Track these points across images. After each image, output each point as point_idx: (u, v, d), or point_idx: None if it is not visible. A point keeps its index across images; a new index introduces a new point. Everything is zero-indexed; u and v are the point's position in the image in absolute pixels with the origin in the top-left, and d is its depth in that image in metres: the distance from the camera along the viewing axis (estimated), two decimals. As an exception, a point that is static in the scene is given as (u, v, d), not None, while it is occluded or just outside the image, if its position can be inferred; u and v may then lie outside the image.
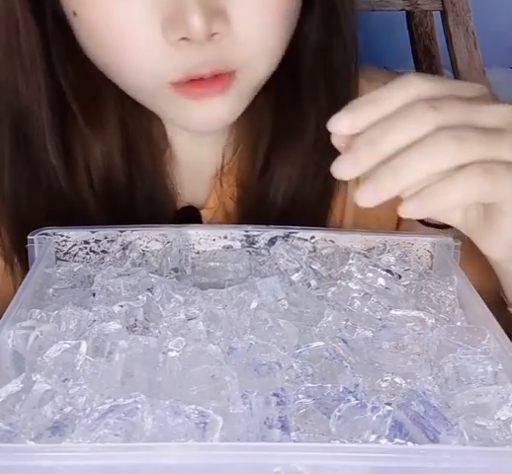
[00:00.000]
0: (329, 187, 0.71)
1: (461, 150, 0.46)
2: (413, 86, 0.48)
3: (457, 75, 2.01)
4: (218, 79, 0.59)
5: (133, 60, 0.59)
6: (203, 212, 0.73)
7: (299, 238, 0.62)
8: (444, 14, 1.99)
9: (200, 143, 0.73)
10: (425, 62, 2.34)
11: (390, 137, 0.46)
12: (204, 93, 0.59)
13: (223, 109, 0.61)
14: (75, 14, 0.59)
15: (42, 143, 0.66)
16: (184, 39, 0.55)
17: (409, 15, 2.28)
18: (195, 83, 0.58)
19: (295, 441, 0.40)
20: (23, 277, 0.55)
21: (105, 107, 0.67)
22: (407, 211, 0.47)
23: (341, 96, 0.70)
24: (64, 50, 0.64)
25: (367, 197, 0.46)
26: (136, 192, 0.70)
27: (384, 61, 0.79)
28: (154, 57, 0.58)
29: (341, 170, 0.47)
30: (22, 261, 0.69)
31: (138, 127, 0.69)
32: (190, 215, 0.72)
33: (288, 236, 0.62)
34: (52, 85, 0.65)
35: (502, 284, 0.58)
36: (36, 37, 0.63)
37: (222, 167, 0.72)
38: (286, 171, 0.70)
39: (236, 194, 0.72)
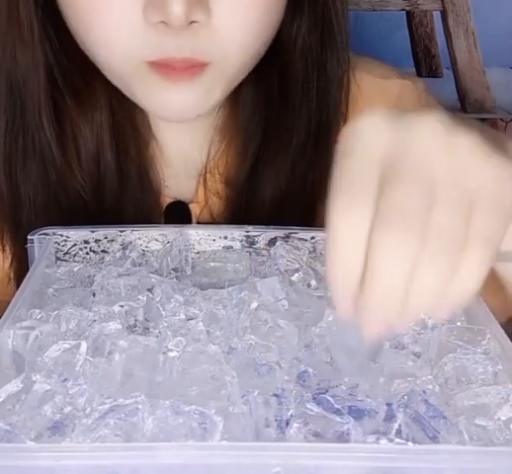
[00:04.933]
0: (317, 187, 0.71)
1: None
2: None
3: (457, 75, 2.01)
4: (189, 69, 0.59)
5: (111, 38, 0.59)
6: (191, 207, 0.73)
7: (300, 238, 0.62)
8: (444, 14, 1.99)
9: (183, 137, 0.73)
10: (425, 62, 2.35)
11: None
12: (174, 75, 0.59)
13: (191, 96, 0.60)
14: None
15: (36, 111, 0.67)
16: (163, 22, 0.56)
17: (409, 15, 2.29)
18: (167, 66, 0.59)
19: (294, 441, 0.40)
20: (23, 277, 0.55)
21: (93, 89, 0.67)
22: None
23: (333, 98, 0.70)
24: (54, 30, 0.64)
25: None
26: (124, 179, 0.70)
27: (384, 61, 0.78)
28: (132, 36, 0.58)
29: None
30: (11, 233, 0.70)
31: (124, 115, 0.69)
32: (179, 210, 0.73)
33: (288, 236, 0.62)
34: (49, 57, 0.66)
35: None
36: (34, 9, 0.63)
37: (207, 163, 0.72)
38: (274, 170, 0.70)
39: (223, 191, 0.72)
